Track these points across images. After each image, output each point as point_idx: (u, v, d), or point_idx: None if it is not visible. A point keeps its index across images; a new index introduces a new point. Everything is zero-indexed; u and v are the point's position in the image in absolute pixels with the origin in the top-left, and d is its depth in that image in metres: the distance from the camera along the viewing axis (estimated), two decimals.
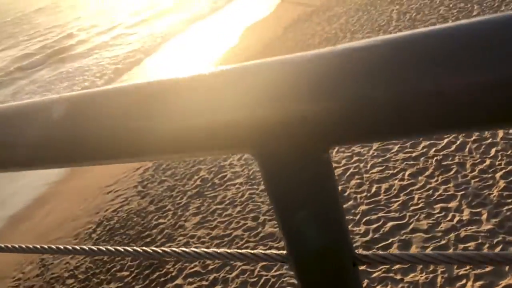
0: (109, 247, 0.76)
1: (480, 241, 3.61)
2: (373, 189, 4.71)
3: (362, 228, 4.21)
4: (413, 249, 3.81)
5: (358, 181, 4.92)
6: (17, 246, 0.79)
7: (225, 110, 0.31)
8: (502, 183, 4.07)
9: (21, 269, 6.32)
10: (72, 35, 31.63)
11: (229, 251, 0.49)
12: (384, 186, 4.70)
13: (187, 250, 0.56)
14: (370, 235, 4.10)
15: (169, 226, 5.65)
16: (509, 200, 3.87)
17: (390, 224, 4.16)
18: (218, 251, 0.51)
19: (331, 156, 0.31)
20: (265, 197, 5.36)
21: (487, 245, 3.55)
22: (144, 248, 0.74)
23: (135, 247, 0.76)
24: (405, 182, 4.61)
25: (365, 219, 4.33)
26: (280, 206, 0.33)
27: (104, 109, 0.36)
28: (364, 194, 4.69)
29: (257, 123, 0.30)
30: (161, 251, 0.62)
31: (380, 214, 4.33)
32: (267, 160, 0.32)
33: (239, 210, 5.28)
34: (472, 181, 4.26)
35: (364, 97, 0.27)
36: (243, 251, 0.48)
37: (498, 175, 4.19)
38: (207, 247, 4.87)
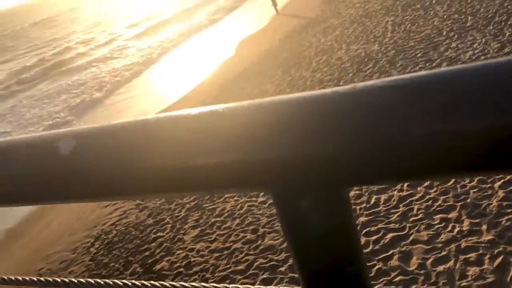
0: (98, 280, 0.74)
1: (481, 251, 3.60)
2: (372, 200, 4.71)
3: (362, 239, 4.20)
4: (414, 261, 3.80)
5: (357, 192, 4.92)
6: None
7: (240, 148, 0.31)
8: (501, 193, 4.08)
9: None
10: (70, 48, 31.74)
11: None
12: (383, 197, 4.70)
13: (186, 284, 0.55)
14: (371, 246, 4.09)
15: (168, 240, 5.62)
16: (509, 210, 3.87)
17: (390, 235, 4.15)
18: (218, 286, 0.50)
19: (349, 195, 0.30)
20: (264, 209, 5.34)
21: (488, 256, 3.54)
22: (129, 281, 0.73)
23: (125, 281, 0.74)
24: (404, 193, 4.61)
25: (365, 230, 4.32)
26: (298, 246, 0.32)
27: (113, 145, 0.36)
28: (364, 205, 4.68)
29: (273, 162, 0.30)
30: (156, 285, 0.61)
31: (380, 226, 4.32)
32: (283, 200, 0.31)
33: (238, 223, 5.26)
34: (471, 191, 4.26)
35: (382, 136, 0.27)
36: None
37: (496, 185, 4.20)
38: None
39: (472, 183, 4.37)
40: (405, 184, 4.73)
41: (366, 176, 0.29)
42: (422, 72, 0.28)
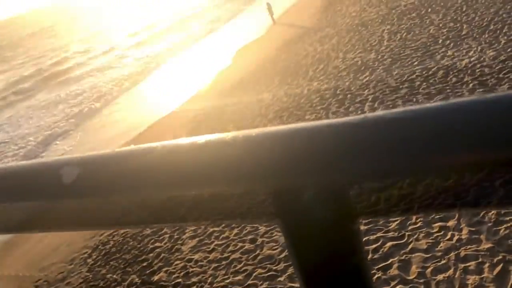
0: None
1: (480, 260, 3.59)
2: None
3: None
4: (413, 270, 3.78)
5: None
6: None
7: (249, 178, 0.30)
8: None
9: None
10: (67, 59, 31.80)
11: None
12: None
13: None
14: (370, 255, 4.07)
15: (166, 250, 5.58)
16: (507, 218, 3.87)
17: (389, 244, 4.14)
18: None
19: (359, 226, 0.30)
20: None
21: (487, 264, 3.53)
22: None
23: None
24: None
25: (363, 239, 4.30)
26: (307, 276, 0.31)
27: (117, 174, 0.35)
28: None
29: (283, 193, 0.29)
30: None
31: (379, 234, 4.31)
32: (292, 231, 0.31)
33: (237, 233, 5.23)
34: None
35: (391, 168, 0.26)
36: None
37: None
38: (205, 271, 4.80)
39: None
40: None
41: (377, 209, 0.28)
42: (432, 104, 0.27)
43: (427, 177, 0.26)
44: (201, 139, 0.33)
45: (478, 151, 0.25)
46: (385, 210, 0.28)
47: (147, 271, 5.33)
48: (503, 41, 7.46)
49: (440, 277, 3.59)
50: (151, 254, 5.65)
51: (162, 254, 5.52)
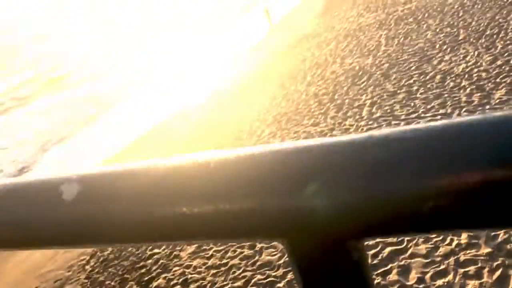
0: None
1: (480, 265, 3.59)
2: None
3: None
4: (413, 275, 3.77)
5: None
6: None
7: (254, 196, 0.30)
8: None
9: None
10: (66, 63, 31.81)
11: None
12: None
13: None
14: (369, 261, 4.06)
15: (164, 256, 5.56)
16: None
17: (388, 249, 4.13)
18: None
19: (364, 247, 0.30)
20: None
21: (486, 269, 3.52)
22: None
23: None
24: None
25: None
26: None
27: (119, 191, 0.34)
28: None
29: (289, 212, 0.29)
30: None
31: (378, 240, 4.30)
32: (297, 251, 0.30)
33: None
34: None
35: (400, 189, 0.26)
36: None
37: None
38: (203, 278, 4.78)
39: None
40: None
41: (384, 228, 0.28)
42: (439, 122, 0.27)
43: (432, 198, 0.25)
44: (204, 155, 0.33)
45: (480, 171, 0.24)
46: (392, 229, 0.28)
47: (146, 278, 5.30)
48: (499, 46, 7.50)
49: (439, 282, 3.58)
50: (149, 261, 5.63)
51: (161, 261, 5.50)
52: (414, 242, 4.07)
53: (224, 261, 4.91)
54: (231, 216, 0.31)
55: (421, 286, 3.62)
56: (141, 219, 0.34)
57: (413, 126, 0.28)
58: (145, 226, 0.34)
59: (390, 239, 4.24)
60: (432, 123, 0.27)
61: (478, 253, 3.69)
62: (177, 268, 5.19)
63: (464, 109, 6.18)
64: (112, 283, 5.52)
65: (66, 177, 0.37)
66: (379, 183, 0.26)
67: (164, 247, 5.77)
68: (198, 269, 4.97)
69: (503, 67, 6.80)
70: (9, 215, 0.39)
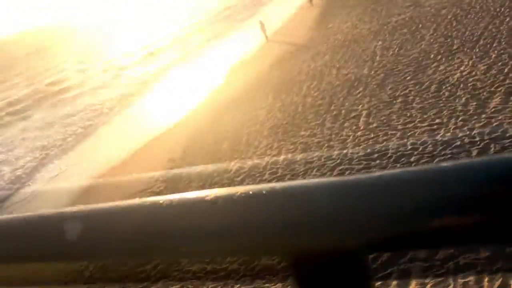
0: None
1: (479, 268, 3.59)
2: None
3: None
4: (412, 281, 3.77)
5: None
6: None
7: (259, 231, 0.31)
8: None
9: None
10: (63, 79, 31.85)
11: None
12: None
13: None
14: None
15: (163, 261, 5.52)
16: None
17: (387, 253, 4.13)
18: None
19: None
20: None
21: (486, 272, 3.53)
22: None
23: None
24: None
25: None
26: None
27: (121, 229, 0.34)
28: None
29: (300, 253, 0.30)
30: None
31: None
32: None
33: None
34: None
35: (410, 232, 0.28)
36: None
37: None
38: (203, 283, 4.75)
39: None
40: None
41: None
42: (442, 164, 0.28)
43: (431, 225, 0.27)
44: (210, 193, 0.32)
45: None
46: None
47: (145, 284, 5.25)
48: (493, 55, 7.60)
49: (439, 286, 3.58)
50: (148, 266, 5.57)
51: (160, 266, 5.46)
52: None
53: (223, 266, 4.86)
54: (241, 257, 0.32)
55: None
56: (146, 258, 0.35)
57: (418, 168, 0.29)
58: (151, 264, 0.35)
59: None
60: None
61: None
62: (176, 273, 5.14)
63: (460, 118, 6.22)
64: None
65: (68, 214, 0.37)
66: (388, 228, 0.28)
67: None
68: (198, 274, 4.93)
69: (497, 76, 6.88)
70: (11, 254, 0.39)
